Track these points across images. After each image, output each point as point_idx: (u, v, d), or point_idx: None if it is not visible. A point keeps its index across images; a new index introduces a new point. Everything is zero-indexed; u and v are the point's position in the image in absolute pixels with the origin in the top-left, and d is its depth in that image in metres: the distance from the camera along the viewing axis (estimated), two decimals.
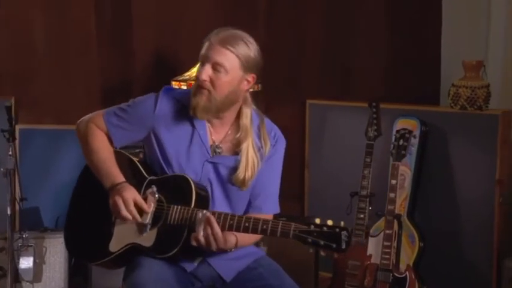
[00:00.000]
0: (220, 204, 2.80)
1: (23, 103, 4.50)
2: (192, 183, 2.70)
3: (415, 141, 4.12)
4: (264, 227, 2.56)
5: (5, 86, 4.49)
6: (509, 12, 4.40)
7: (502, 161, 4.04)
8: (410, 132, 3.90)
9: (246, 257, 2.86)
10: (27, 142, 4.40)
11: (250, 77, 2.74)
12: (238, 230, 2.60)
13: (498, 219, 4.06)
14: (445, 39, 4.76)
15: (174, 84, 4.18)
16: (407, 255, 4.00)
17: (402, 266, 3.87)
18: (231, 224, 2.61)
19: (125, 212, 2.67)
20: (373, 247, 3.87)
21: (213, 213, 2.64)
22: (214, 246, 2.61)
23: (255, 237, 2.80)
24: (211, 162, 2.79)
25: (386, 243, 3.79)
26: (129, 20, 4.64)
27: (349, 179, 4.19)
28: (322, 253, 2.48)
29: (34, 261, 4.01)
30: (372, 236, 3.90)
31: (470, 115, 4.12)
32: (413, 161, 4.17)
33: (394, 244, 3.80)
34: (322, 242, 2.44)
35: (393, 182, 3.83)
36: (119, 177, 2.74)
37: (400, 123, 4.16)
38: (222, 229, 2.62)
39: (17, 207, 4.08)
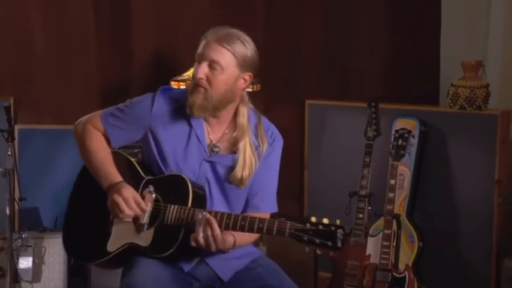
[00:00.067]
0: (218, 203, 2.80)
1: (22, 103, 4.50)
2: (188, 182, 2.70)
3: (414, 141, 4.12)
4: (260, 225, 2.56)
5: (4, 86, 4.49)
6: (508, 13, 4.40)
7: (501, 161, 4.05)
8: (409, 132, 3.90)
9: (244, 257, 2.86)
10: (26, 142, 4.40)
11: (247, 76, 2.75)
12: (234, 229, 2.61)
13: (497, 219, 4.06)
14: (444, 39, 4.76)
15: (173, 84, 4.19)
16: (407, 255, 4.00)
17: (401, 266, 3.87)
18: (227, 223, 2.61)
19: (127, 210, 2.67)
20: (372, 247, 3.87)
21: (209, 213, 2.64)
22: (213, 247, 2.61)
23: (252, 237, 2.80)
24: (208, 161, 2.80)
25: (385, 243, 3.79)
26: (128, 20, 4.64)
27: (348, 178, 4.19)
28: (318, 251, 2.47)
29: (33, 261, 4.01)
30: (371, 236, 3.90)
31: (469, 115, 4.12)
32: (412, 161, 4.17)
33: (393, 244, 3.80)
34: (317, 241, 2.44)
35: (392, 181, 3.83)
36: (117, 177, 2.75)
37: (400, 123, 4.16)
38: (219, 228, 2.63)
39: (16, 207, 4.08)
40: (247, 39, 2.74)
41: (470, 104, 4.09)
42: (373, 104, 4.00)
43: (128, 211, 2.68)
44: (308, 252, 4.15)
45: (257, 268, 2.82)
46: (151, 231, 2.70)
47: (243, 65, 2.71)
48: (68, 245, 2.92)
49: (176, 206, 2.67)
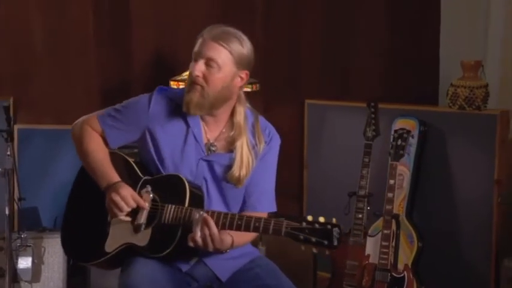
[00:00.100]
0: (216, 202, 2.81)
1: (21, 103, 4.50)
2: (186, 182, 2.70)
3: (413, 141, 4.12)
4: (257, 224, 2.56)
5: (3, 86, 4.49)
6: (508, 13, 4.40)
7: (500, 161, 4.05)
8: (408, 132, 3.90)
9: (243, 257, 2.86)
10: (26, 142, 4.40)
11: (244, 74, 2.76)
12: (231, 228, 2.61)
13: (496, 219, 4.06)
14: (443, 39, 4.76)
15: (173, 84, 4.19)
16: (406, 255, 4.00)
17: (400, 266, 3.87)
18: (223, 222, 2.61)
19: (125, 208, 2.68)
20: (371, 247, 3.87)
21: (206, 212, 2.64)
22: (210, 247, 2.61)
23: (250, 237, 2.80)
24: (206, 160, 2.80)
25: (384, 243, 3.79)
26: (128, 20, 4.64)
27: (347, 178, 4.19)
28: (314, 250, 2.47)
29: (32, 261, 4.01)
30: (370, 236, 3.90)
31: (469, 115, 4.12)
32: (411, 161, 4.17)
33: (392, 244, 3.80)
34: (313, 239, 2.44)
35: (391, 182, 3.83)
36: (115, 177, 2.75)
37: (399, 123, 4.16)
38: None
39: (16, 207, 4.07)
40: (244, 37, 2.75)
41: (470, 104, 4.09)
42: (372, 104, 4.00)
43: (126, 208, 2.69)
44: (307, 252, 4.17)
45: (255, 268, 2.82)
46: (149, 231, 2.70)
47: (240, 63, 2.72)
48: (66, 246, 2.92)
49: (173, 206, 2.67)
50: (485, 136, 4.07)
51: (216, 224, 2.61)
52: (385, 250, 3.78)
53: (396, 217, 3.84)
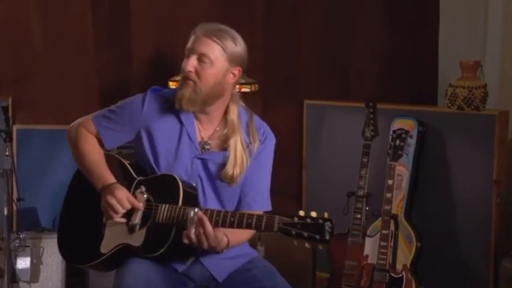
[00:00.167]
0: (211, 201, 2.81)
1: (21, 103, 4.51)
2: (179, 182, 2.71)
3: (412, 141, 4.12)
4: (249, 221, 2.56)
5: (2, 86, 4.50)
6: (507, 13, 4.39)
7: (499, 161, 4.04)
8: (407, 132, 3.89)
9: (240, 257, 2.86)
10: (24, 142, 4.40)
11: (236, 70, 2.77)
12: (224, 225, 2.60)
13: (495, 219, 4.05)
14: (442, 39, 4.75)
15: (172, 85, 4.19)
16: (405, 255, 4.00)
17: (399, 266, 3.87)
18: (216, 220, 2.61)
19: (121, 210, 2.69)
20: (370, 247, 3.87)
21: (199, 210, 2.64)
22: (205, 245, 2.61)
23: (245, 236, 2.81)
24: (200, 159, 2.81)
25: (382, 244, 3.79)
26: (128, 20, 4.64)
27: (346, 179, 4.19)
28: (306, 245, 2.47)
29: (31, 262, 4.02)
30: (368, 236, 3.90)
31: (468, 115, 4.11)
32: (410, 161, 4.17)
33: (391, 244, 3.80)
34: (305, 234, 2.43)
35: (390, 182, 3.83)
36: (110, 179, 2.76)
37: (398, 124, 4.16)
38: None
39: (14, 207, 4.08)
40: (237, 35, 2.77)
41: (469, 104, 4.09)
42: (370, 104, 4.00)
43: (121, 211, 2.69)
44: (307, 253, 4.19)
45: (252, 269, 2.82)
46: (144, 231, 2.70)
47: (232, 59, 2.73)
48: (62, 248, 2.93)
49: (167, 205, 2.68)
50: (484, 136, 4.07)
51: (210, 221, 2.61)
52: (383, 250, 3.78)
53: (395, 217, 3.84)
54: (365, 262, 3.86)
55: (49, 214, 4.34)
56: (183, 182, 2.72)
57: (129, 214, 2.72)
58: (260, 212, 2.80)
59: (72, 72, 4.61)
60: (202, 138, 2.82)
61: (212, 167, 2.80)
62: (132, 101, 2.84)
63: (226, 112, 2.83)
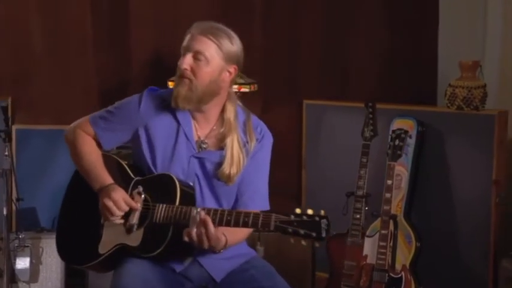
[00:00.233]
0: (208, 200, 2.81)
1: (20, 103, 4.51)
2: (176, 181, 2.71)
3: (411, 141, 4.12)
4: (246, 219, 2.55)
5: (1, 86, 4.50)
6: (506, 13, 4.39)
7: (498, 161, 4.04)
8: (406, 132, 3.89)
9: (238, 257, 2.86)
10: (24, 142, 4.41)
11: (232, 68, 2.77)
12: (221, 224, 2.60)
13: (495, 220, 4.05)
14: (442, 39, 4.76)
15: (171, 85, 4.18)
16: (404, 256, 3.99)
17: (398, 266, 3.87)
18: (213, 219, 2.60)
19: (117, 212, 2.69)
20: (369, 247, 3.87)
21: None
22: (206, 245, 2.61)
23: (242, 235, 2.80)
24: (197, 158, 2.81)
25: (382, 244, 3.79)
26: (127, 20, 4.65)
27: (345, 179, 4.18)
28: (303, 242, 2.47)
29: (30, 262, 4.02)
30: (367, 237, 3.90)
31: (467, 115, 4.11)
32: (409, 161, 4.17)
33: (390, 244, 3.80)
34: (302, 231, 2.43)
35: (389, 182, 3.83)
36: (108, 180, 2.77)
37: (397, 124, 4.16)
38: None
39: (14, 207, 4.09)
40: (232, 33, 2.77)
41: (468, 105, 4.09)
42: (370, 104, 4.00)
43: (118, 213, 2.70)
44: (306, 253, 4.19)
45: (250, 270, 2.82)
46: (141, 231, 2.70)
47: (228, 57, 2.74)
48: (61, 249, 2.92)
49: (164, 205, 2.68)
50: (483, 136, 4.07)
51: None
52: (382, 250, 3.78)
53: (394, 217, 3.84)
54: (364, 262, 3.86)
55: (48, 214, 4.34)
56: (180, 181, 2.72)
57: (126, 214, 2.72)
58: (257, 211, 2.81)
59: (72, 73, 4.61)
60: (199, 137, 2.82)
61: (209, 166, 2.80)
62: (129, 101, 2.84)
63: (223, 111, 2.83)
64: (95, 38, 4.61)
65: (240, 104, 2.88)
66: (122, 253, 2.73)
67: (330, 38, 4.81)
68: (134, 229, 2.70)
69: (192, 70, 2.71)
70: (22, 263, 4.00)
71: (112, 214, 2.70)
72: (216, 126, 2.83)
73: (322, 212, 2.46)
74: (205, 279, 2.81)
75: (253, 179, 2.85)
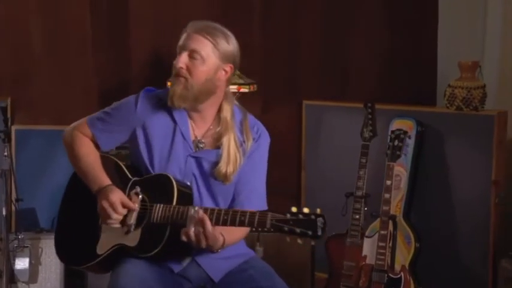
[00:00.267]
0: (205, 199, 2.81)
1: (19, 103, 4.51)
2: (173, 181, 2.71)
3: (410, 142, 4.12)
4: (242, 218, 2.55)
5: (1, 86, 4.50)
6: (505, 13, 4.39)
7: (497, 162, 4.04)
8: (405, 132, 3.89)
9: (237, 257, 2.86)
10: (23, 143, 4.40)
11: (228, 67, 2.77)
12: (217, 223, 2.59)
13: (494, 220, 4.06)
14: (441, 39, 4.76)
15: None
16: (404, 256, 4.00)
17: (397, 267, 3.87)
18: (210, 218, 2.60)
19: (114, 215, 2.69)
20: (368, 248, 3.87)
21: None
22: (203, 244, 2.61)
23: (239, 234, 2.80)
24: (194, 157, 2.81)
25: (381, 244, 3.79)
26: (126, 20, 4.65)
27: (345, 179, 4.18)
28: (299, 241, 2.46)
29: (30, 262, 4.02)
30: (367, 237, 3.90)
31: (466, 116, 4.12)
32: (409, 161, 4.17)
33: (389, 245, 3.80)
34: (298, 230, 2.43)
35: (388, 182, 3.83)
36: (106, 181, 2.77)
37: (396, 124, 4.16)
38: None
39: (13, 208, 4.09)
40: (228, 32, 2.77)
41: (467, 105, 4.09)
42: (369, 104, 4.00)
43: (115, 216, 2.70)
44: (305, 253, 4.18)
45: (249, 270, 2.81)
46: (139, 231, 2.71)
47: (224, 56, 2.74)
48: (60, 250, 2.93)
49: (161, 205, 2.68)
50: (482, 137, 4.07)
51: None
52: (382, 251, 3.78)
53: (393, 218, 3.83)
54: (363, 263, 3.86)
55: (48, 215, 4.34)
56: (177, 181, 2.72)
57: (124, 215, 2.73)
58: (254, 210, 2.81)
59: (72, 73, 4.61)
60: (196, 137, 2.82)
61: (206, 165, 2.80)
62: (125, 101, 2.85)
63: (219, 110, 2.83)
64: (94, 38, 4.61)
65: (237, 103, 2.89)
66: (120, 253, 2.73)
67: (330, 38, 4.81)
68: (132, 229, 2.71)
69: (188, 69, 2.72)
70: (21, 263, 4.00)
71: (109, 217, 2.70)
72: (213, 126, 2.83)
73: (318, 211, 2.47)
74: (204, 280, 2.81)
75: (250, 178, 2.85)
